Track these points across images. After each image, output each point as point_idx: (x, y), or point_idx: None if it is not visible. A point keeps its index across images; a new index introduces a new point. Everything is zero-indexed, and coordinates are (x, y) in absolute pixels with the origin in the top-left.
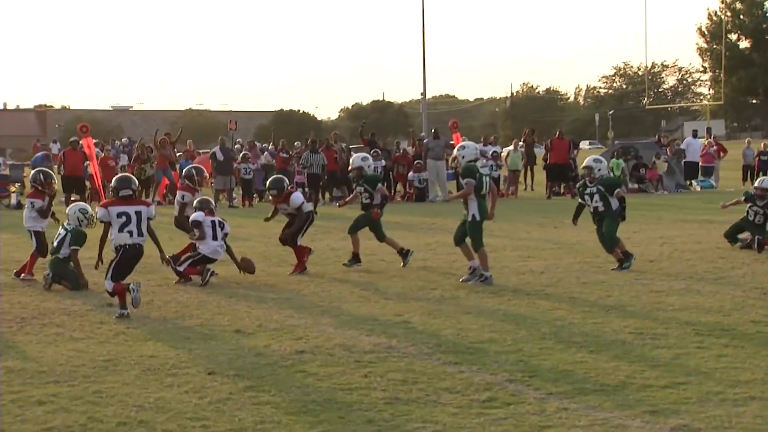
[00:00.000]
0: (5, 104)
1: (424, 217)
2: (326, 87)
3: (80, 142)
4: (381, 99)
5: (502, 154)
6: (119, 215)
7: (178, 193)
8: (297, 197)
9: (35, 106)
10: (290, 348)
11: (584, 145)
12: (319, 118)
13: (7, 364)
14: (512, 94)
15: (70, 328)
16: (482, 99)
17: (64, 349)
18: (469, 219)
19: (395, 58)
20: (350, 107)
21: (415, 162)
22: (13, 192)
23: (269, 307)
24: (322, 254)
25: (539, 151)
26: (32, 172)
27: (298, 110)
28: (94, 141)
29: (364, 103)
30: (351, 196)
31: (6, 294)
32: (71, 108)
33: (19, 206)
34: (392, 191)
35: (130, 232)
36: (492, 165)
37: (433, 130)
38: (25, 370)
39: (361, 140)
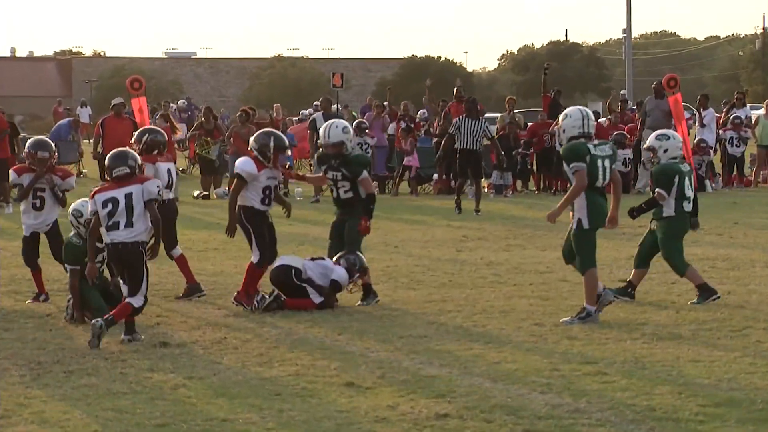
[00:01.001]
0: (13, 50)
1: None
2: (480, 23)
3: (127, 105)
4: (562, 39)
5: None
6: (105, 203)
7: None
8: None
9: (56, 53)
10: (427, 410)
11: None
12: (469, 69)
13: (19, 430)
14: (765, 29)
15: (107, 377)
16: (718, 38)
17: (98, 408)
18: (574, 226)
19: None
20: (515, 52)
21: (614, 133)
22: None
23: (397, 349)
24: (475, 271)
25: None
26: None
27: (438, 57)
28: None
29: (537, 46)
30: (314, 177)
31: (17, 327)
32: (107, 55)
33: None
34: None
35: (116, 224)
36: (734, 137)
37: (653, 86)
38: None
39: (542, 98)
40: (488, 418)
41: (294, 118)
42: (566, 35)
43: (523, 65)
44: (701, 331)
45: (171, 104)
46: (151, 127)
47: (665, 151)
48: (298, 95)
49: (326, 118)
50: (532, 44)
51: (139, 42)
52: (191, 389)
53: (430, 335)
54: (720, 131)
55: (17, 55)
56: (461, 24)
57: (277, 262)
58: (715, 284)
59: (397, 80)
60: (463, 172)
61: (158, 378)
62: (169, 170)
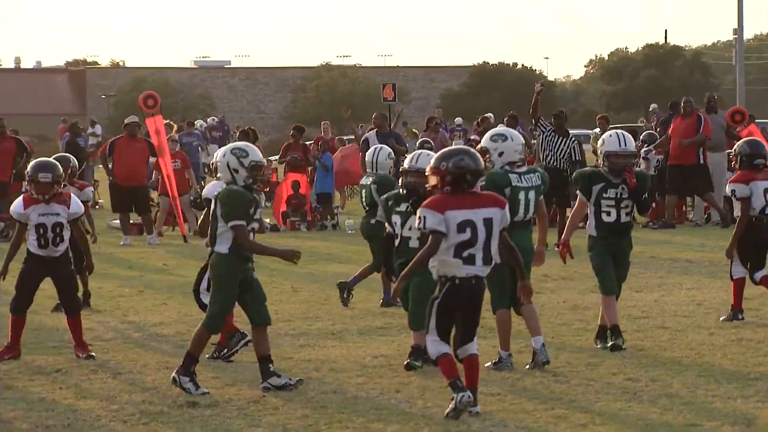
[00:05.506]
0: (18, 60)
1: None
2: (563, 24)
3: (143, 124)
4: (661, 42)
5: None
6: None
7: None
8: None
9: (67, 64)
10: None
11: None
12: (550, 77)
13: None
14: None
15: None
16: None
17: None
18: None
19: None
20: (605, 58)
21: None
22: None
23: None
24: (557, 316)
25: None
26: None
27: (514, 65)
28: (166, 122)
29: (632, 51)
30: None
31: (21, 385)
32: (126, 65)
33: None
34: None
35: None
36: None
37: (706, 102)
38: None
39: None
40: None
41: (345, 138)
42: (666, 37)
43: (615, 73)
44: None
45: (200, 122)
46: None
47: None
48: (351, 110)
49: (380, 137)
50: (626, 48)
51: (164, 50)
52: None
53: (504, 393)
54: None
55: (23, 65)
56: (540, 25)
57: None
58: None
59: (465, 91)
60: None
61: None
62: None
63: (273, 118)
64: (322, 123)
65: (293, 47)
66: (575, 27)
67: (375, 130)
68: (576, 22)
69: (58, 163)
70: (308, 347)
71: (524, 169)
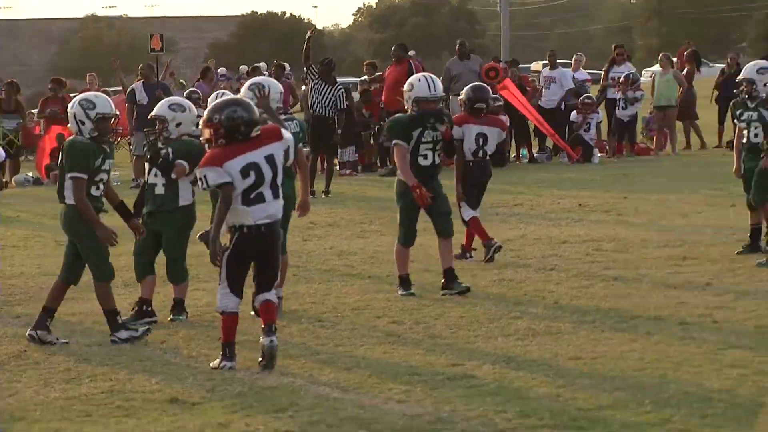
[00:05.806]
0: None
1: (496, 194)
2: None
3: None
4: None
5: (642, 78)
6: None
7: None
8: None
9: None
10: (265, 427)
11: None
12: (319, 26)
13: None
14: None
15: None
16: None
17: None
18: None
19: None
20: (373, 5)
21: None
22: None
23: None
24: (324, 262)
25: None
26: None
27: (282, 14)
28: None
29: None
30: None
31: None
32: None
33: None
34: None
35: (261, 196)
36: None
37: (457, 47)
38: None
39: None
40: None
41: (111, 89)
42: None
43: (383, 21)
44: (583, 324)
45: None
46: None
47: (178, 125)
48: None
49: (147, 90)
50: None
51: None
52: None
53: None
54: (615, 93)
55: None
56: None
57: None
58: (601, 269)
59: (234, 41)
60: (316, 145)
61: None
62: None
63: (37, 71)
64: (88, 75)
65: None
66: None
67: (142, 81)
68: None
69: None
70: (71, 300)
71: (282, 117)
